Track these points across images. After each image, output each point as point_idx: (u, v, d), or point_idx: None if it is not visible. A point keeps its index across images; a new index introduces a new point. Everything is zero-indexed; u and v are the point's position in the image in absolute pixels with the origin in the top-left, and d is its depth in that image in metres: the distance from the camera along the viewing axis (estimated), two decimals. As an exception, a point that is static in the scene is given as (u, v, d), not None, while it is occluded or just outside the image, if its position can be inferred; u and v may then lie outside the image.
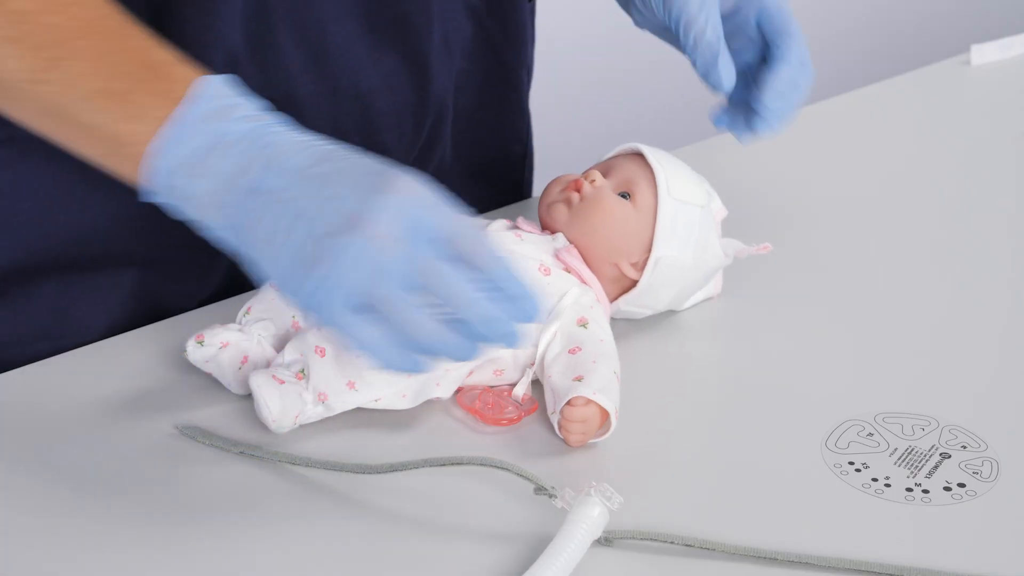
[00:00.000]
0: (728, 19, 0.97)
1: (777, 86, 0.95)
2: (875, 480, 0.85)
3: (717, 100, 0.98)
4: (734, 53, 0.96)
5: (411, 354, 0.75)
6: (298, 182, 0.76)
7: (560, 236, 0.96)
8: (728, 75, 0.93)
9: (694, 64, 0.94)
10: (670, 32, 0.96)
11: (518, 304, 0.76)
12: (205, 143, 0.77)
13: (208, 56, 0.92)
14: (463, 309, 0.74)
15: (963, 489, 0.84)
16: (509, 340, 0.76)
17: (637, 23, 1.00)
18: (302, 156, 0.77)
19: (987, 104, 1.42)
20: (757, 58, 0.97)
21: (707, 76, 0.93)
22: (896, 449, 0.85)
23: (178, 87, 0.78)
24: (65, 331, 0.98)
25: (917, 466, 0.86)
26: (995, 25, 2.10)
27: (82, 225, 0.97)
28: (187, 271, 1.02)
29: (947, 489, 0.84)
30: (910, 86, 1.47)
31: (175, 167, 0.77)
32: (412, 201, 0.75)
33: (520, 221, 0.97)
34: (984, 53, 1.50)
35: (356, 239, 0.73)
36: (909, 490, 0.84)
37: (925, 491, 0.84)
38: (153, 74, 0.79)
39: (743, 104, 0.97)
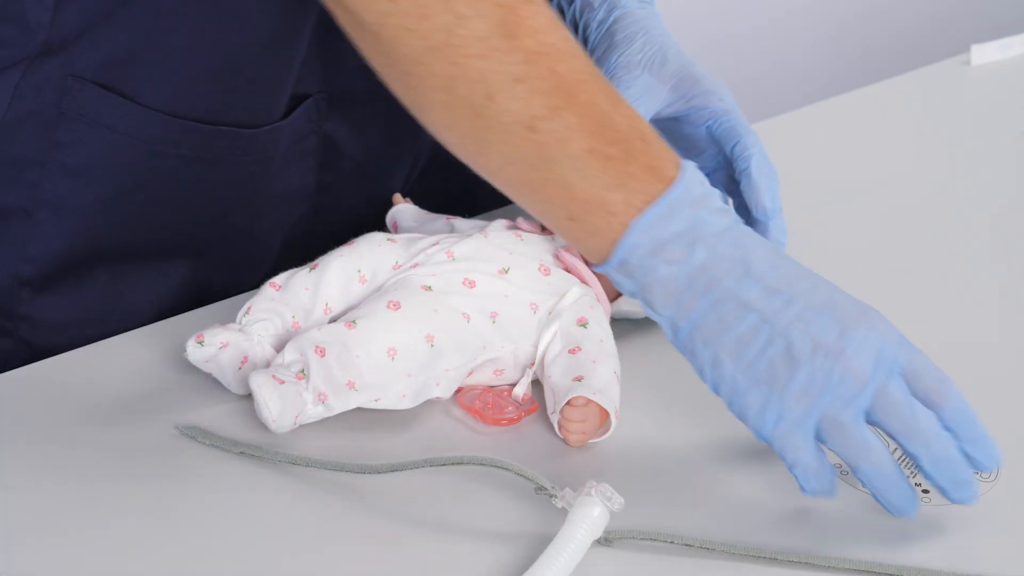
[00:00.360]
0: (672, 125, 0.97)
1: (764, 201, 0.94)
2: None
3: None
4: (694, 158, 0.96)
5: (832, 480, 0.79)
6: (776, 298, 0.78)
7: (560, 236, 0.96)
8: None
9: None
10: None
11: (979, 448, 0.77)
12: (682, 229, 0.78)
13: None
14: (920, 444, 0.76)
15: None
16: (963, 490, 0.77)
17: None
18: (779, 270, 0.78)
19: (987, 104, 1.42)
20: (717, 164, 0.97)
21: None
22: (896, 448, 0.85)
23: (667, 166, 0.78)
24: (115, 316, 0.99)
25: (917, 466, 0.86)
26: (995, 25, 2.10)
27: (142, 214, 0.98)
28: (237, 262, 1.03)
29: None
30: (910, 86, 1.47)
31: (648, 246, 0.78)
32: (886, 339, 0.77)
33: (520, 221, 0.97)
34: (984, 53, 1.50)
35: (835, 368, 0.76)
36: (909, 490, 0.84)
37: (925, 491, 0.84)
38: (645, 146, 0.78)
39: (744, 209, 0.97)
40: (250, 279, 1.03)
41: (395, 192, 1.06)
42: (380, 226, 1.00)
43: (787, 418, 0.78)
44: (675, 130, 0.98)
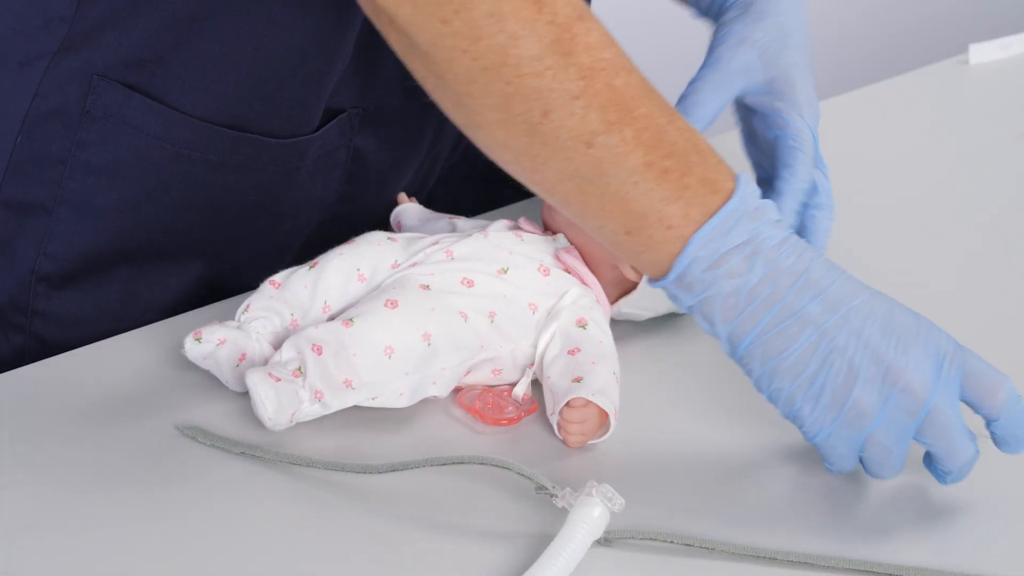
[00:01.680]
0: (748, 115, 0.96)
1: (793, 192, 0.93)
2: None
3: None
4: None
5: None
6: (836, 313, 0.78)
7: (561, 237, 0.96)
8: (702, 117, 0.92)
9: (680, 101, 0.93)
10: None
11: (1014, 445, 0.81)
12: (741, 242, 0.78)
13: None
14: (952, 464, 0.80)
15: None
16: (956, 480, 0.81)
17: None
18: (837, 283, 0.79)
19: (986, 104, 1.42)
20: (771, 169, 0.96)
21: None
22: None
23: (724, 179, 0.79)
24: (130, 315, 0.99)
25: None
26: (994, 24, 2.10)
27: (165, 215, 0.98)
28: (252, 264, 1.03)
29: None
30: (909, 86, 1.47)
31: (708, 259, 0.78)
32: (943, 353, 0.79)
33: (522, 221, 0.97)
34: (983, 52, 1.50)
35: (894, 389, 0.77)
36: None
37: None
38: (701, 159, 0.79)
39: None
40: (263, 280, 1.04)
41: (394, 195, 1.07)
42: (386, 227, 1.00)
43: (838, 435, 0.79)
44: (748, 120, 0.97)
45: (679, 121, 0.80)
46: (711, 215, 0.78)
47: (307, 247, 1.05)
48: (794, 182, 0.92)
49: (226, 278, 1.03)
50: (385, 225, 1.02)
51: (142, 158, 0.95)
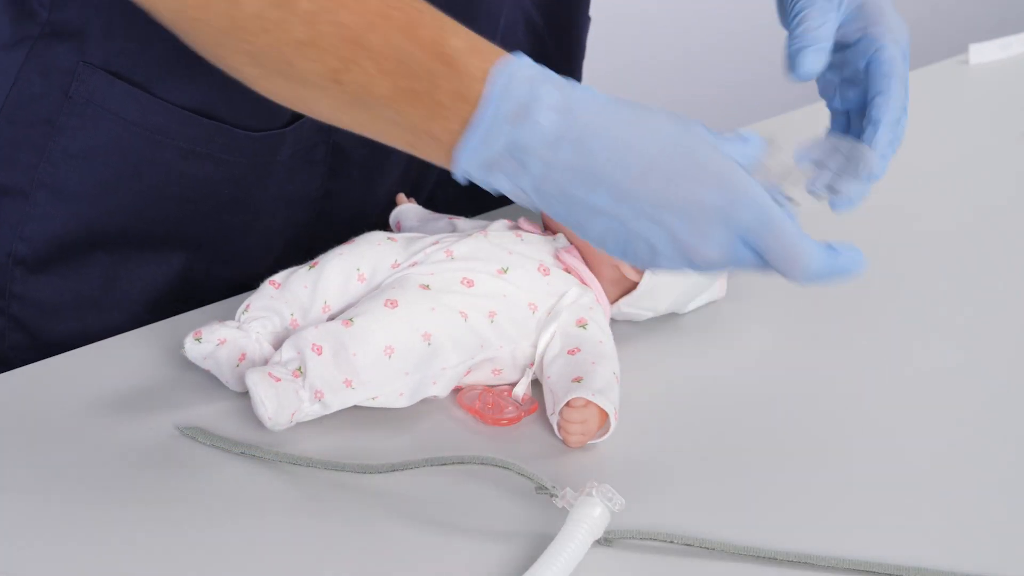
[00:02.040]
0: (843, 57, 0.94)
1: (890, 121, 0.91)
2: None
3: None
4: (839, 86, 0.93)
5: None
6: (625, 204, 0.77)
7: (561, 236, 0.96)
8: (813, 62, 0.88)
9: (789, 39, 0.89)
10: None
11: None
12: (505, 146, 0.76)
13: None
14: None
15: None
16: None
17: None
18: (629, 166, 0.76)
19: (986, 104, 1.42)
20: (858, 101, 0.94)
21: (793, 57, 0.89)
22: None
23: (475, 84, 0.77)
24: (110, 302, 1.00)
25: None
26: (994, 24, 2.10)
27: (138, 202, 0.99)
28: (233, 259, 1.03)
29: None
30: (909, 86, 1.47)
31: (482, 166, 0.77)
32: (744, 232, 0.77)
33: (522, 221, 0.97)
34: (983, 52, 1.50)
35: (693, 263, 0.77)
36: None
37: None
38: (449, 70, 0.77)
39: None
40: (249, 276, 1.03)
41: (383, 193, 1.06)
42: (385, 227, 1.00)
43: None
44: (844, 62, 0.94)
45: (421, 30, 0.78)
46: (467, 126, 0.76)
47: (293, 246, 1.05)
48: (889, 111, 0.90)
49: (208, 274, 1.03)
50: (374, 224, 1.02)
51: (118, 144, 0.96)
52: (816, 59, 0.88)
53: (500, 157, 0.76)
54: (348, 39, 0.77)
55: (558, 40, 1.13)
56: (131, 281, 1.01)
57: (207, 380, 0.90)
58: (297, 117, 1.01)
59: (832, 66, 0.93)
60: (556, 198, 0.77)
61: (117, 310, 1.00)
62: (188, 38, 0.81)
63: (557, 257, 0.95)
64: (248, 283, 1.00)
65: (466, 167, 0.77)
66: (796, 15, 0.90)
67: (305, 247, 0.99)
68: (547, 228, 0.98)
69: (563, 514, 0.78)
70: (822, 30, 0.88)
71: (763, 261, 0.78)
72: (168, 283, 1.02)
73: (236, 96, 0.96)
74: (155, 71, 0.95)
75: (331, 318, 0.91)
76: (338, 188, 1.06)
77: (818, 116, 1.39)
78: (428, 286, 0.90)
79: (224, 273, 1.04)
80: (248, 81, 0.81)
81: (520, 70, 0.77)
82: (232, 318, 0.91)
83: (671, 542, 0.78)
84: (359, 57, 0.77)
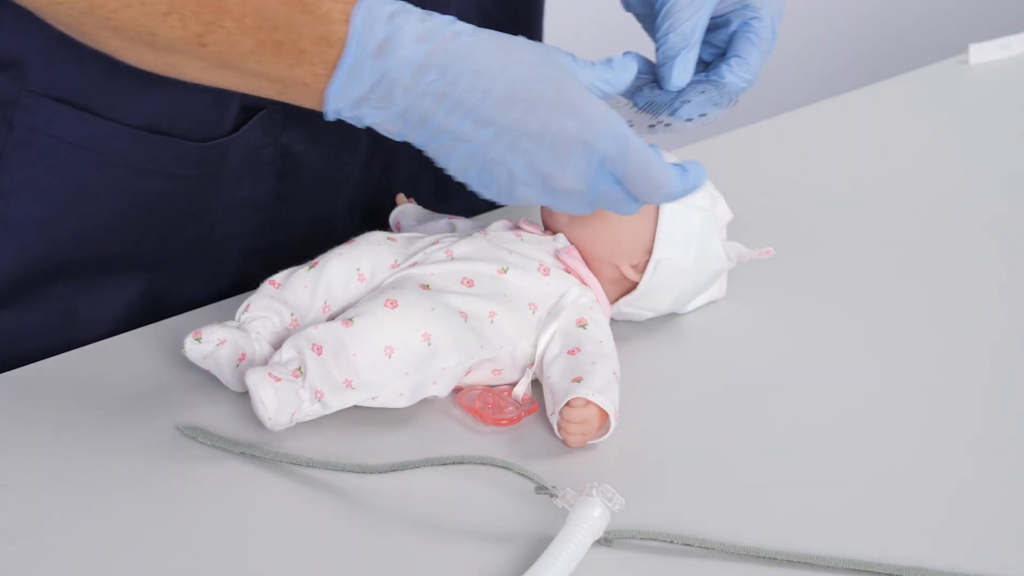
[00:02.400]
0: (714, 19, 0.96)
1: (734, 85, 0.93)
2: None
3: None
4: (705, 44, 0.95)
5: None
6: (487, 130, 0.82)
7: (561, 236, 0.96)
8: (680, 75, 0.91)
9: (657, 50, 0.93)
10: (652, 19, 0.94)
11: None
12: (372, 83, 0.81)
13: None
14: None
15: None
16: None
17: (624, 5, 0.99)
18: (492, 96, 0.81)
19: (986, 104, 1.42)
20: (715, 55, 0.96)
21: (661, 67, 0.92)
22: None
23: (336, 27, 0.80)
24: (73, 331, 0.98)
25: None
26: (993, 24, 2.10)
27: (91, 227, 0.98)
28: (194, 274, 1.02)
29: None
30: (909, 86, 1.47)
31: (351, 104, 0.82)
32: (598, 155, 0.82)
33: (522, 221, 0.97)
34: (983, 52, 1.50)
35: (555, 193, 0.83)
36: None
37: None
38: (310, 17, 0.81)
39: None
40: (212, 291, 1.03)
41: (343, 199, 1.06)
42: (344, 234, 0.98)
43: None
44: (716, 26, 0.96)
45: None
46: (334, 68, 0.81)
47: (250, 255, 1.04)
48: (738, 77, 0.93)
49: (171, 291, 1.02)
50: (337, 234, 1.01)
51: (67, 169, 0.95)
52: (682, 70, 0.91)
53: (368, 92, 0.81)
54: (208, 3, 0.80)
55: (513, 30, 1.12)
56: (92, 308, 1.00)
57: (207, 380, 0.90)
58: (243, 122, 1.00)
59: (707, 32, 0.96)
60: (420, 125, 0.82)
61: (80, 339, 0.98)
62: (50, 19, 0.83)
63: (557, 257, 0.95)
64: (209, 302, 1.00)
65: (336, 107, 0.82)
66: (663, 7, 0.92)
67: (263, 255, 0.98)
68: (547, 228, 0.98)
69: (563, 514, 0.78)
70: (685, 28, 0.91)
71: (623, 187, 0.82)
72: (130, 307, 1.01)
73: (180, 108, 0.96)
74: (98, 92, 0.94)
75: (331, 318, 0.91)
76: (288, 191, 1.04)
77: (818, 116, 1.39)
78: (428, 286, 0.90)
79: (185, 292, 1.02)
80: (115, 53, 0.84)
81: (380, 6, 0.81)
82: (232, 318, 0.91)
83: (671, 542, 0.78)
84: (221, 18, 0.80)
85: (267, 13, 0.80)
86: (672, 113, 0.93)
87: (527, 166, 0.82)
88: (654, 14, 0.93)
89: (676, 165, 0.85)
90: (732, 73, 0.93)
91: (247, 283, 0.99)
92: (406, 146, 0.88)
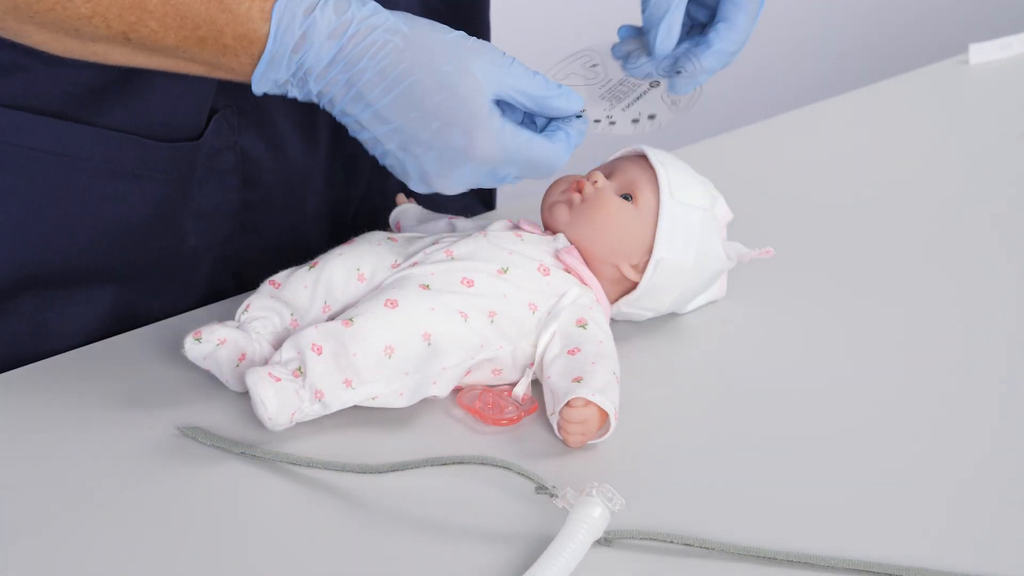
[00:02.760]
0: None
1: (723, 50, 0.93)
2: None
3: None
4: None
5: None
6: (385, 125, 0.86)
7: (561, 236, 0.96)
8: (664, 39, 0.91)
9: (642, 15, 0.93)
10: None
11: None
12: (291, 72, 0.86)
13: None
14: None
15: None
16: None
17: None
18: (392, 95, 0.85)
19: (986, 104, 1.43)
20: (705, 18, 0.96)
21: (647, 33, 0.92)
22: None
23: (256, 25, 0.85)
24: (44, 345, 0.97)
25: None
26: (993, 24, 2.10)
27: (59, 239, 0.97)
28: (165, 286, 1.01)
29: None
30: (909, 86, 1.47)
31: (274, 86, 0.87)
32: (493, 166, 0.86)
33: (522, 222, 0.97)
34: (983, 52, 1.50)
35: (472, 167, 0.87)
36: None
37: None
38: (230, 16, 0.85)
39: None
40: (184, 301, 1.02)
41: (311, 207, 1.06)
42: (315, 243, 0.98)
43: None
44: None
45: None
46: (257, 60, 0.86)
47: (223, 261, 1.04)
48: (727, 41, 0.93)
49: (143, 303, 1.01)
50: (303, 237, 1.01)
51: (28, 176, 0.94)
52: (666, 37, 0.92)
53: (288, 77, 0.87)
54: (129, 5, 0.83)
55: (458, 24, 1.12)
56: (62, 322, 0.99)
57: (207, 380, 0.90)
58: (205, 126, 0.99)
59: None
60: (331, 106, 0.87)
61: (49, 353, 0.97)
62: None
63: (557, 257, 0.95)
64: (187, 308, 1.00)
65: (261, 89, 0.87)
66: None
67: (234, 263, 0.98)
68: (547, 228, 0.98)
69: (563, 514, 0.78)
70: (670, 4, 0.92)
71: (515, 179, 0.89)
72: (101, 321, 1.00)
73: (143, 107, 0.95)
74: (63, 97, 0.94)
75: (331, 318, 0.91)
76: (255, 198, 1.04)
77: (818, 116, 1.39)
78: (428, 286, 0.89)
79: (155, 305, 1.01)
80: (39, 45, 0.86)
81: (298, 1, 0.85)
82: (232, 318, 0.91)
83: (671, 542, 0.78)
84: (144, 19, 0.84)
85: (187, 12, 0.84)
86: (672, 86, 0.95)
87: (416, 168, 0.87)
88: None
89: (563, 135, 0.88)
90: (720, 38, 0.93)
91: (219, 293, 0.99)
92: (365, 153, 0.90)
